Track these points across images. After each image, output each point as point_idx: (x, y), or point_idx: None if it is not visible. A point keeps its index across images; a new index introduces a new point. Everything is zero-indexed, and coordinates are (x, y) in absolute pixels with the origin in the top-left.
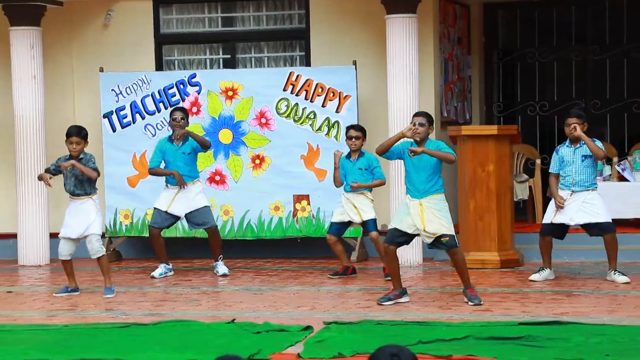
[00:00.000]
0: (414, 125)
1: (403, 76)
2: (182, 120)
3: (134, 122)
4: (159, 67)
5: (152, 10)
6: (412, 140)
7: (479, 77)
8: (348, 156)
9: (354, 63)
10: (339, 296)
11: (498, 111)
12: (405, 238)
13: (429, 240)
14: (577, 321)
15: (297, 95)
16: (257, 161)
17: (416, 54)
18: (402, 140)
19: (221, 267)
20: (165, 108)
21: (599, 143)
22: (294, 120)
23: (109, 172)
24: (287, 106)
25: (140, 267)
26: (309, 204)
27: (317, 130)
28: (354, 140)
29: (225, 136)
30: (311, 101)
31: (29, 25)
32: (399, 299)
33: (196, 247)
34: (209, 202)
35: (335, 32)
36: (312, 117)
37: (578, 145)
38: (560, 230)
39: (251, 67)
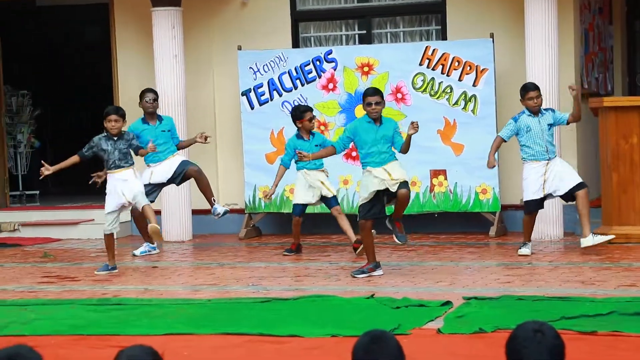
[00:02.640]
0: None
1: (542, 48)
2: (155, 102)
3: (271, 100)
4: (296, 44)
5: None
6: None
7: (621, 48)
8: (300, 137)
9: (491, 36)
10: (478, 271)
11: None
12: (379, 207)
13: (394, 188)
14: None
15: (433, 69)
16: None
17: (555, 25)
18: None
19: (219, 207)
20: (302, 85)
21: (558, 113)
22: (430, 95)
23: (248, 150)
24: (423, 81)
25: (279, 243)
26: (446, 179)
27: (453, 105)
28: (314, 121)
29: (362, 112)
30: (447, 75)
31: (170, 5)
32: (373, 272)
33: (334, 222)
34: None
35: (471, 5)
36: (449, 91)
37: (540, 114)
38: (542, 201)
39: (387, 42)
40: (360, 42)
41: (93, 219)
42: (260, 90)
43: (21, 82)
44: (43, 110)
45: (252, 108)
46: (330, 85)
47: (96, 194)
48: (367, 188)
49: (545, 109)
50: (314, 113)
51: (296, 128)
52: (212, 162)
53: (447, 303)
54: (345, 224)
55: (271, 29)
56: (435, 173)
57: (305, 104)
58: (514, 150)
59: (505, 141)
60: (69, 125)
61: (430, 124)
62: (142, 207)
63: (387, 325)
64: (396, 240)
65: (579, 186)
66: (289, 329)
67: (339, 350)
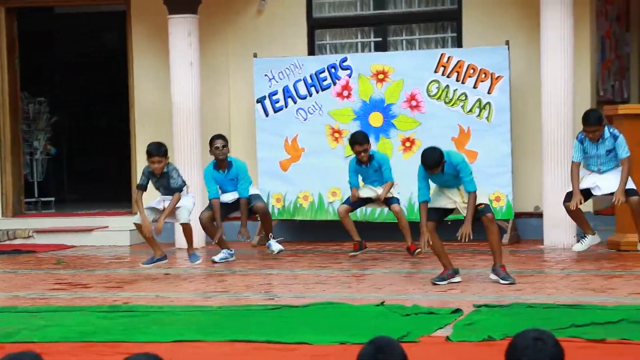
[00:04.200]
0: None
1: (557, 55)
2: (224, 148)
3: (286, 107)
4: (311, 51)
5: None
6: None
7: (638, 55)
8: (359, 163)
9: (507, 43)
10: (490, 279)
11: None
12: (440, 216)
13: (465, 212)
14: None
15: (448, 77)
16: (407, 144)
17: (571, 32)
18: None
19: (275, 245)
20: (317, 92)
21: (622, 139)
22: (445, 102)
23: (262, 157)
24: (438, 88)
25: (292, 250)
26: None
27: (468, 112)
28: (362, 154)
29: (376, 119)
30: (462, 82)
31: (187, 13)
32: (452, 278)
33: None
34: (257, 191)
35: (487, 13)
36: (463, 98)
37: (601, 140)
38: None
39: (402, 49)
40: (376, 50)
41: (107, 226)
42: (275, 97)
43: (38, 89)
44: (59, 117)
45: (267, 115)
46: (345, 93)
47: (110, 202)
48: (433, 201)
49: (612, 132)
50: (331, 121)
51: None
52: None
53: (457, 311)
54: (402, 224)
55: (287, 36)
56: None
57: (358, 132)
58: (528, 156)
59: (580, 163)
60: (85, 132)
61: (445, 131)
62: (182, 225)
63: (396, 333)
64: (502, 282)
65: (628, 192)
66: (297, 336)
67: (347, 357)
